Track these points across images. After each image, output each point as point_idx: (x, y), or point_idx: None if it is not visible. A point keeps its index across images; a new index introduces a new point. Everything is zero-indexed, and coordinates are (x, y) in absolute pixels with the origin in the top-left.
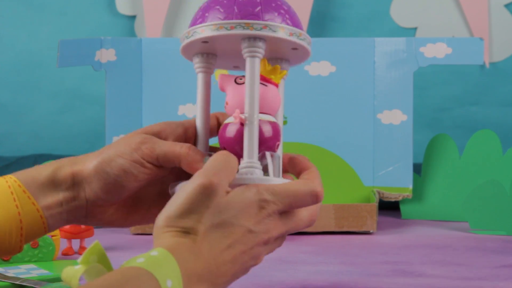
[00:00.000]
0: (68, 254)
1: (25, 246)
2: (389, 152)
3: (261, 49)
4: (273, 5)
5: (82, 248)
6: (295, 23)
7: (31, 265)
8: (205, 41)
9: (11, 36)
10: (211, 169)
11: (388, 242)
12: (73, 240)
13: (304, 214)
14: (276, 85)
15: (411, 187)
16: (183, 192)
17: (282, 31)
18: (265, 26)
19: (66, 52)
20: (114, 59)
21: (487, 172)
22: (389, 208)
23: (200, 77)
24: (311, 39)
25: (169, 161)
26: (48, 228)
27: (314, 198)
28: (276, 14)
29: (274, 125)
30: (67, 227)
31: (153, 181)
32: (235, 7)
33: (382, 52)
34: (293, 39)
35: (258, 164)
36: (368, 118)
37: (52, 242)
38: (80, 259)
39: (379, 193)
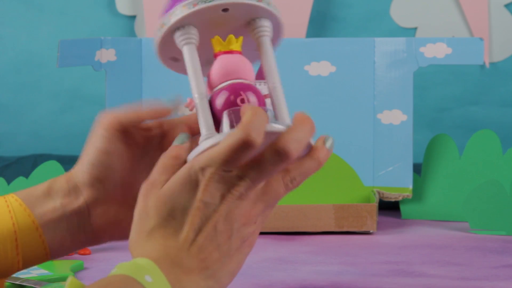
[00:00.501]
0: (68, 254)
1: None
2: (389, 152)
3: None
4: None
5: (82, 248)
6: None
7: None
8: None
9: (11, 36)
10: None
11: (388, 242)
12: None
13: (267, 154)
14: (237, 52)
15: (411, 187)
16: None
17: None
18: None
19: (66, 52)
20: (114, 59)
21: (487, 172)
22: (389, 208)
23: (186, 50)
24: (312, 39)
25: (136, 121)
26: (49, 246)
27: (245, 145)
28: None
29: (232, 85)
30: None
31: (143, 165)
32: None
33: (382, 52)
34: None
35: (215, 133)
36: (368, 118)
37: None
38: None
39: (379, 193)
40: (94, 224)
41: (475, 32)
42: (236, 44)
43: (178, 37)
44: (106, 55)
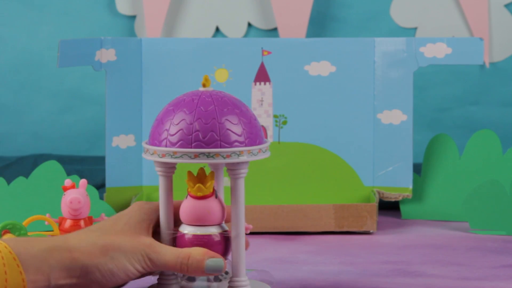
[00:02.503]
0: None
1: None
2: (389, 152)
3: None
4: (233, 128)
5: None
6: (253, 139)
7: None
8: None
9: (11, 36)
10: None
11: (388, 242)
12: None
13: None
14: (208, 197)
15: (411, 187)
16: None
17: (242, 154)
18: (229, 155)
19: (66, 52)
20: (114, 59)
21: (487, 172)
22: (389, 208)
23: (162, 180)
24: (312, 39)
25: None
26: None
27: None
28: (235, 136)
29: (192, 240)
30: (67, 227)
31: None
32: (198, 133)
33: (382, 52)
34: (250, 158)
35: None
36: (368, 118)
37: None
38: None
39: (379, 193)
40: None
41: (475, 32)
42: (206, 189)
43: (157, 167)
44: (106, 55)
